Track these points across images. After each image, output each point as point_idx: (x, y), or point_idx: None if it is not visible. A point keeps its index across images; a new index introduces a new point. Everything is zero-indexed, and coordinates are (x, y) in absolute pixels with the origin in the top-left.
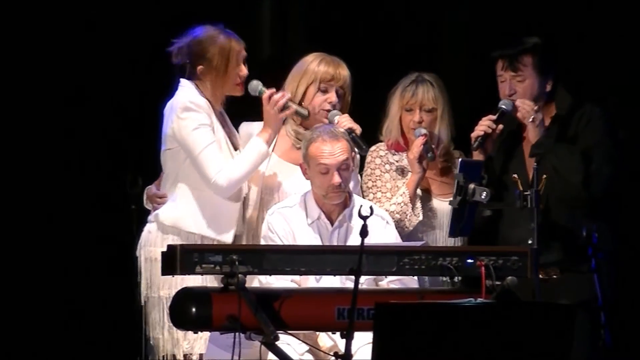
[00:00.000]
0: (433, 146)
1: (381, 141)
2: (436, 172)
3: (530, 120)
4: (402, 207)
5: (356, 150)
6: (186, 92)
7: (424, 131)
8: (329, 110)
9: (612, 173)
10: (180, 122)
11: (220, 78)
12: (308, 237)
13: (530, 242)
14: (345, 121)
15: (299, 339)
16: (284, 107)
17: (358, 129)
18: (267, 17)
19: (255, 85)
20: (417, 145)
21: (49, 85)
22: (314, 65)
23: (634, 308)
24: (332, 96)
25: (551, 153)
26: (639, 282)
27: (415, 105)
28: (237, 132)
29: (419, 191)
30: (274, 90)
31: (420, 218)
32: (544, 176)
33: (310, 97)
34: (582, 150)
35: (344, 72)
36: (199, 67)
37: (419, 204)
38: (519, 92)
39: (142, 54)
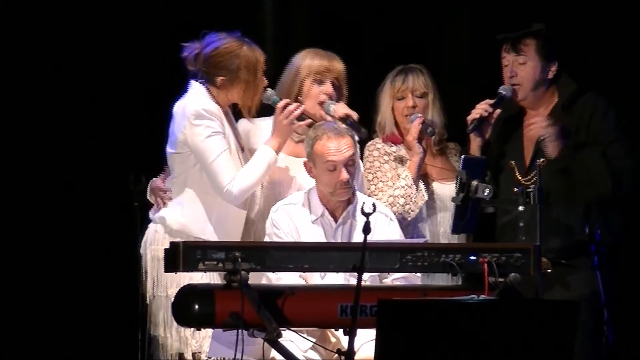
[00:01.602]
0: (430, 125)
1: (376, 136)
2: (433, 159)
3: (543, 138)
4: (406, 190)
5: (355, 135)
6: (198, 97)
7: (419, 115)
8: (324, 102)
9: (636, 166)
10: (193, 129)
11: (251, 91)
12: (312, 234)
13: (521, 224)
14: (341, 108)
15: (303, 336)
16: (298, 119)
17: (355, 115)
18: (270, 17)
19: (270, 94)
20: (415, 127)
21: (54, 83)
22: (307, 60)
23: (637, 305)
24: (328, 87)
25: (575, 164)
26: None
27: (406, 91)
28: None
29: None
30: (288, 100)
31: (426, 198)
32: (542, 160)
33: (306, 91)
34: (602, 150)
35: (338, 64)
36: (220, 78)
37: (422, 186)
38: (520, 75)
39: (147, 53)
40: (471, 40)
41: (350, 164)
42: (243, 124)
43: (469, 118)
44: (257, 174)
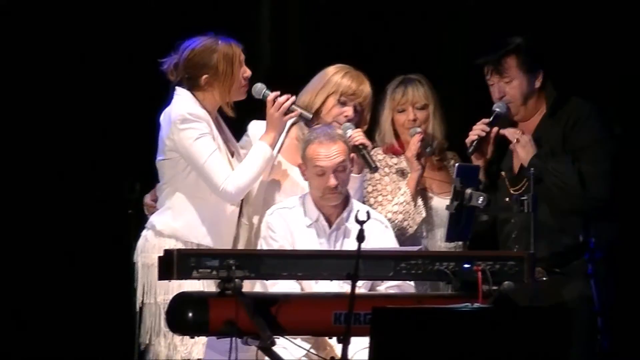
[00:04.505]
0: (429, 143)
1: (376, 147)
2: (434, 172)
3: (515, 141)
4: (404, 206)
5: (365, 167)
6: (183, 102)
7: (419, 129)
8: (343, 124)
9: (611, 171)
10: (180, 133)
11: (229, 83)
12: (306, 239)
13: (514, 235)
14: (357, 136)
15: (297, 344)
16: (289, 110)
17: (370, 145)
18: (267, 26)
19: (260, 88)
20: (414, 143)
21: (48, 91)
22: (338, 77)
23: (632, 312)
24: (350, 110)
25: (547, 171)
26: (637, 286)
27: (406, 104)
28: (247, 130)
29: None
30: (278, 93)
31: (424, 215)
32: (531, 169)
33: (328, 107)
34: (576, 156)
35: (366, 89)
36: (204, 77)
37: (420, 202)
38: (509, 94)
39: (141, 60)
40: (470, 46)
41: (340, 170)
42: (254, 126)
43: (467, 141)
44: (253, 170)
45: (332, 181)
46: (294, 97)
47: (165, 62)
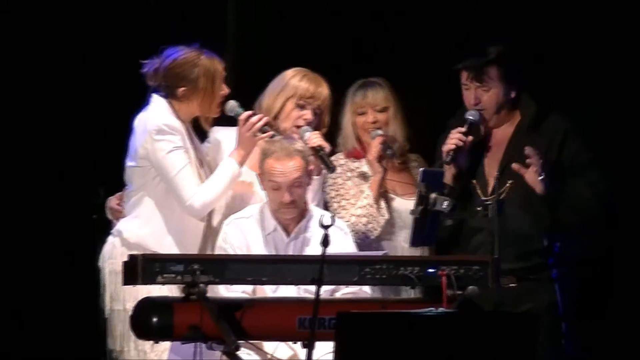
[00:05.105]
0: (390, 145)
1: (339, 152)
2: (396, 174)
3: (540, 178)
4: (368, 209)
5: (323, 168)
6: (159, 112)
7: (380, 132)
8: (301, 127)
9: (612, 188)
10: (154, 144)
11: (208, 100)
12: (263, 249)
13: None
14: (315, 138)
15: (260, 349)
16: (261, 131)
17: (327, 147)
18: (232, 27)
19: (232, 106)
20: (375, 146)
21: (13, 94)
22: (295, 80)
23: (598, 317)
24: (308, 114)
25: (560, 192)
26: (603, 291)
27: (366, 107)
28: (208, 136)
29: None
30: (250, 112)
31: (387, 217)
32: (509, 182)
33: (287, 112)
34: (574, 172)
35: (324, 91)
36: (181, 89)
37: (383, 204)
38: (484, 101)
39: (109, 65)
40: (438, 48)
41: (296, 185)
42: (215, 133)
43: (445, 150)
44: (219, 187)
45: (287, 197)
46: (267, 118)
47: (146, 65)
